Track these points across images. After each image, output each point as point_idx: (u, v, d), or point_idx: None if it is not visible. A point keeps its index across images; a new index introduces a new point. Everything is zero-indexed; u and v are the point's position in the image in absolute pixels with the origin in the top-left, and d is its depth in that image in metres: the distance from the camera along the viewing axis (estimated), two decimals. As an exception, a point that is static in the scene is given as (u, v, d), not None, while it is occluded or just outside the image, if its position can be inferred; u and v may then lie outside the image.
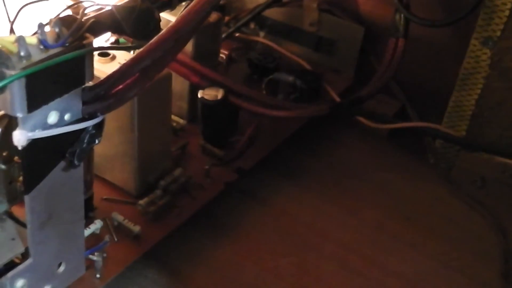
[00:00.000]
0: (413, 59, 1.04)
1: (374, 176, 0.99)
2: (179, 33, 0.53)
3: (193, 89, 0.92)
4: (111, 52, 0.78)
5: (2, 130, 0.61)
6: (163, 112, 0.82)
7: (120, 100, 0.55)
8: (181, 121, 0.94)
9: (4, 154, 0.62)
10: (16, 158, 0.64)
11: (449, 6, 1.00)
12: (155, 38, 0.54)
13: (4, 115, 0.60)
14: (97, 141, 0.57)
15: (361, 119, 1.01)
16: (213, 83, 0.88)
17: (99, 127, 0.56)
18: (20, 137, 0.52)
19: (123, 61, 0.75)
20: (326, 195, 0.94)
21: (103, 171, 0.82)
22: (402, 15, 0.98)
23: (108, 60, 0.77)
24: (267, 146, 0.95)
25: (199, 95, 0.87)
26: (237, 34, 1.14)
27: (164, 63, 0.56)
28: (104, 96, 0.55)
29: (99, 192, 0.81)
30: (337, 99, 1.03)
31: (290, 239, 0.86)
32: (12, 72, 0.49)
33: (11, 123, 0.61)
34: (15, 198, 0.65)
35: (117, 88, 0.55)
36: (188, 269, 0.80)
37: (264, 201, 0.91)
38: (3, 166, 0.62)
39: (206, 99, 0.87)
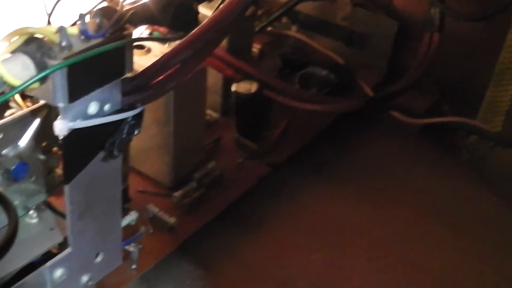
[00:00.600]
0: (448, 54, 1.03)
1: (406, 172, 0.98)
2: (220, 24, 0.54)
3: (227, 83, 0.92)
4: (147, 45, 0.78)
5: (41, 121, 0.61)
6: (198, 105, 0.82)
7: (160, 91, 0.55)
8: (215, 114, 0.94)
9: (43, 144, 0.62)
10: (55, 148, 0.64)
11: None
12: (196, 29, 0.54)
13: (43, 106, 0.61)
14: (136, 132, 0.57)
15: (395, 113, 1.00)
16: (247, 77, 0.88)
17: (138, 118, 0.56)
18: (61, 127, 0.52)
19: (159, 54, 0.76)
20: (356, 191, 0.93)
21: (138, 163, 0.82)
22: (437, 9, 0.97)
23: (144, 53, 0.77)
24: (299, 140, 0.95)
25: (233, 89, 0.87)
26: (269, 28, 1.14)
27: (205, 54, 0.56)
28: (144, 87, 0.55)
29: (134, 184, 0.81)
30: (370, 93, 1.02)
31: (320, 234, 0.86)
32: (54, 62, 0.49)
33: (50, 113, 0.62)
34: (53, 188, 0.66)
35: (157, 79, 0.55)
36: (220, 262, 0.80)
37: (294, 197, 0.91)
38: (42, 157, 0.63)
39: (240, 93, 0.87)
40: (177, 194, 0.80)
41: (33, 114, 0.60)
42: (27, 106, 0.65)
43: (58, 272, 0.60)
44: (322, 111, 0.91)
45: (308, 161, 0.96)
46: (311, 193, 0.91)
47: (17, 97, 0.69)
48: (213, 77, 0.91)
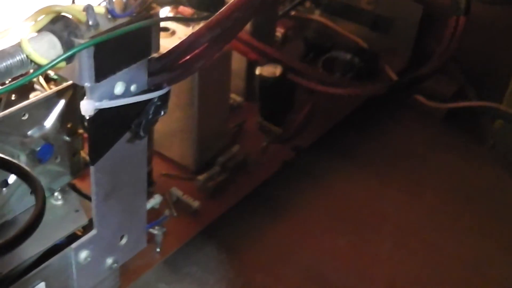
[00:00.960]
0: (473, 38, 1.02)
1: (432, 157, 0.97)
2: (249, 2, 0.53)
3: (251, 67, 0.91)
4: (171, 27, 0.78)
5: (66, 102, 0.61)
6: (223, 89, 0.82)
7: (187, 71, 0.55)
8: (238, 98, 0.94)
9: (68, 126, 0.62)
10: (79, 130, 0.64)
11: (512, -18, 0.97)
12: (225, 7, 0.53)
13: (69, 87, 0.61)
14: (162, 113, 0.56)
15: (420, 98, 0.99)
16: (271, 60, 0.87)
17: (165, 98, 0.56)
18: (87, 107, 0.51)
19: (183, 37, 0.75)
20: (382, 176, 0.93)
21: (161, 147, 0.82)
22: (463, -8, 0.95)
23: (168, 35, 0.77)
24: (324, 124, 0.94)
25: (257, 72, 0.87)
26: (292, 13, 1.13)
27: (233, 34, 0.55)
28: (170, 67, 0.55)
29: (158, 167, 0.81)
30: (395, 78, 1.01)
31: (346, 219, 0.85)
32: (81, 41, 0.49)
33: (76, 94, 0.61)
34: (78, 170, 0.66)
35: (184, 59, 0.54)
36: (244, 246, 0.80)
37: (320, 181, 0.90)
38: (67, 138, 0.63)
39: (264, 76, 0.86)
40: (201, 177, 0.80)
41: (58, 95, 0.60)
42: (50, 89, 0.64)
43: (83, 254, 0.60)
44: (347, 95, 0.90)
45: (333, 145, 0.95)
46: (336, 178, 0.91)
47: (41, 79, 0.69)
48: (237, 61, 0.90)
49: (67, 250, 0.59)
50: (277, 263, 0.78)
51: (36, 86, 0.68)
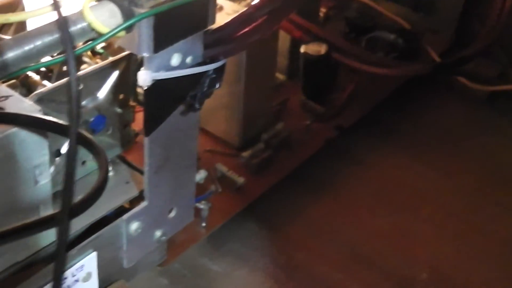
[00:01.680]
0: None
1: (473, 139, 0.97)
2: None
3: (294, 45, 0.91)
4: (219, 3, 0.77)
5: (119, 73, 0.61)
6: (269, 66, 0.81)
7: (243, 44, 0.55)
8: (281, 76, 0.93)
9: (121, 97, 0.62)
10: (131, 102, 0.64)
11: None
12: (285, -20, 0.53)
13: (123, 58, 0.61)
14: (217, 86, 0.56)
15: (463, 80, 0.98)
16: (316, 38, 0.87)
17: (220, 71, 0.56)
18: (145, 77, 0.51)
19: (231, 12, 0.75)
20: (423, 157, 0.92)
21: (206, 123, 0.82)
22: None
23: (216, 11, 0.76)
24: (367, 104, 0.93)
25: (302, 50, 0.86)
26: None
27: (291, 7, 0.55)
28: (227, 39, 0.54)
29: (202, 143, 0.81)
30: (437, 59, 1.00)
31: (387, 200, 0.85)
32: (141, 11, 0.48)
33: (129, 66, 0.61)
34: (128, 143, 0.66)
35: (241, 32, 0.54)
36: (287, 224, 0.80)
37: (362, 161, 0.90)
38: (119, 110, 0.63)
39: (309, 54, 0.86)
40: (245, 154, 0.80)
41: (113, 66, 0.60)
42: (96, 63, 0.65)
43: (134, 226, 0.60)
44: (391, 75, 0.89)
45: (376, 125, 0.95)
46: (378, 158, 0.90)
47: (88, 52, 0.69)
48: (280, 40, 0.89)
49: (118, 221, 0.59)
50: (319, 242, 0.78)
51: (85, 59, 0.69)
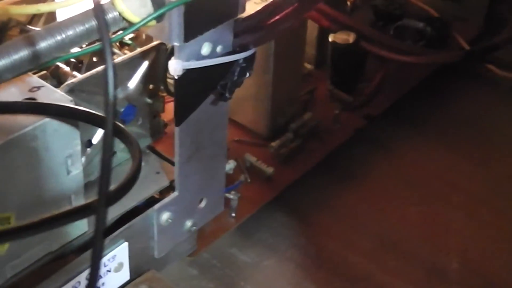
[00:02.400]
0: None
1: (503, 128, 0.95)
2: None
3: (321, 35, 0.90)
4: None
5: (149, 63, 0.61)
6: (297, 56, 0.81)
7: (273, 32, 0.54)
8: (309, 66, 0.93)
9: (150, 87, 0.63)
10: (161, 92, 0.64)
11: None
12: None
13: (153, 48, 0.61)
14: (248, 75, 0.56)
15: (492, 67, 0.97)
16: (344, 27, 0.86)
17: (250, 60, 0.56)
18: (176, 66, 0.51)
19: (259, 1, 0.74)
20: (453, 146, 0.91)
21: (234, 113, 0.81)
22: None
23: None
24: (395, 93, 0.93)
25: (330, 39, 0.86)
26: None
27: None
28: (257, 28, 0.54)
29: (230, 133, 0.81)
30: (466, 47, 0.99)
31: (417, 188, 0.84)
32: None
33: (159, 56, 0.61)
34: (157, 133, 0.66)
35: (272, 20, 0.54)
36: (316, 214, 0.79)
37: (390, 150, 0.89)
38: (148, 100, 0.63)
39: (337, 43, 0.85)
40: (274, 144, 0.80)
41: (143, 56, 0.60)
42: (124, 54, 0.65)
43: (165, 216, 0.60)
44: (419, 64, 0.88)
45: (404, 114, 0.94)
46: (407, 146, 0.90)
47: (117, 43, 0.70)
48: (308, 29, 0.89)
49: (149, 211, 0.59)
50: (349, 231, 0.78)
51: (114, 50, 0.69)
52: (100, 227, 0.31)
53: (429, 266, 0.74)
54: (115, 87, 0.55)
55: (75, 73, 0.62)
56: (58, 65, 0.60)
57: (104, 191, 0.31)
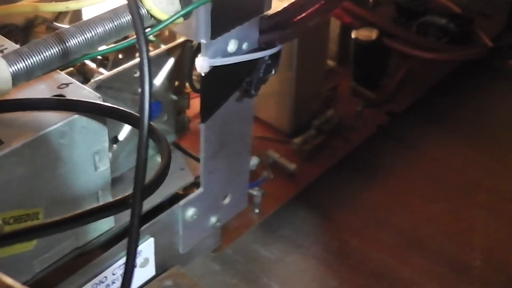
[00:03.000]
0: None
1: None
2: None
3: (343, 31, 0.90)
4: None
5: (175, 60, 0.61)
6: (320, 52, 0.81)
7: (299, 29, 0.54)
8: (331, 62, 0.93)
9: (176, 84, 0.63)
10: (186, 89, 0.65)
11: None
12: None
13: (178, 45, 0.61)
14: (273, 72, 0.56)
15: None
16: (366, 24, 0.86)
17: (276, 57, 0.56)
18: (202, 64, 0.52)
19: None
20: (476, 143, 0.91)
21: (257, 110, 0.81)
22: None
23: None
24: (418, 89, 0.92)
25: (353, 36, 0.86)
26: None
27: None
28: (283, 25, 0.54)
29: (253, 130, 0.81)
30: (490, 43, 0.98)
31: (441, 185, 0.84)
32: (199, -3, 0.49)
33: (184, 53, 0.62)
34: (182, 129, 0.67)
35: (298, 17, 0.54)
36: (338, 210, 0.79)
37: (414, 146, 0.89)
38: (174, 97, 0.63)
39: (360, 40, 0.85)
40: (296, 140, 0.80)
41: (168, 53, 0.60)
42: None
43: (190, 212, 0.61)
44: (443, 60, 0.88)
45: (428, 111, 0.94)
46: (430, 143, 0.89)
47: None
48: (330, 25, 0.89)
49: (175, 207, 0.60)
50: (372, 227, 0.78)
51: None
52: (135, 221, 0.32)
53: (453, 263, 0.74)
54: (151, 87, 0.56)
55: (101, 69, 0.62)
56: (84, 62, 0.61)
57: (139, 187, 0.31)
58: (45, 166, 0.47)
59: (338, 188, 0.82)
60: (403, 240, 0.76)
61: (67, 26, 0.63)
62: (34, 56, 0.42)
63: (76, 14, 0.67)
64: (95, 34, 0.45)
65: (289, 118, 0.81)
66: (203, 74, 0.52)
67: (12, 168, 0.45)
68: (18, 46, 0.51)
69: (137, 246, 0.35)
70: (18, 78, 0.42)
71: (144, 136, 0.30)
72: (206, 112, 0.56)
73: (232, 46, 0.54)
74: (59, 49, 0.43)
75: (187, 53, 0.61)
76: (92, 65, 0.62)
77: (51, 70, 0.45)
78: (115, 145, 0.59)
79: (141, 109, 0.31)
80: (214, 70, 0.53)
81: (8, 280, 0.29)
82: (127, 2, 0.46)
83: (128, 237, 0.33)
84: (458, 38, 0.97)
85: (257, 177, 0.75)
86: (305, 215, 0.79)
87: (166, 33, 0.70)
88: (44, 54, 0.43)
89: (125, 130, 0.60)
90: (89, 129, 0.49)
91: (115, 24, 0.46)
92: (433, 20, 0.97)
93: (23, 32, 0.62)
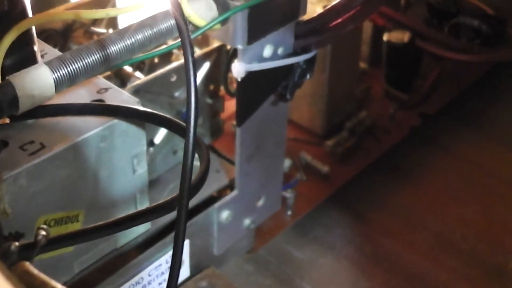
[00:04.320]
0: None
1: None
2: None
3: (376, 33, 0.90)
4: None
5: (211, 64, 0.62)
6: (353, 55, 0.81)
7: (335, 34, 0.55)
8: (363, 64, 0.93)
9: (211, 88, 0.64)
10: (221, 92, 0.65)
11: None
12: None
13: (214, 50, 0.62)
14: (308, 76, 0.57)
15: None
16: (398, 26, 0.86)
17: (311, 62, 0.56)
18: (239, 69, 0.52)
19: (315, 1, 0.75)
20: (510, 144, 0.90)
21: (290, 112, 0.82)
22: None
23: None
24: (451, 91, 0.92)
25: (385, 38, 0.86)
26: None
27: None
28: (319, 30, 0.55)
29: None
30: (523, 45, 0.98)
31: (474, 187, 0.84)
32: (237, 3, 0.49)
33: (220, 57, 0.62)
34: (217, 132, 0.67)
35: (335, 22, 0.54)
36: (371, 212, 0.80)
37: (447, 148, 0.89)
38: (209, 100, 0.64)
39: (392, 42, 0.85)
40: (329, 142, 0.80)
41: (204, 57, 0.61)
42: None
43: (225, 214, 0.61)
44: (475, 62, 0.88)
45: (460, 112, 0.93)
46: (463, 145, 0.89)
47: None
48: (362, 27, 0.89)
49: (210, 209, 0.60)
50: (405, 229, 0.78)
51: (174, 51, 0.70)
52: (182, 222, 0.32)
53: (486, 266, 0.74)
54: (177, 89, 0.57)
55: (137, 73, 0.63)
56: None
57: (185, 192, 0.32)
58: (86, 170, 0.48)
59: (371, 190, 0.82)
60: (436, 243, 0.76)
61: (104, 31, 0.65)
62: (77, 62, 0.43)
63: (112, 19, 0.68)
64: (135, 40, 0.46)
65: (322, 120, 0.81)
66: (239, 79, 0.53)
67: (54, 171, 0.46)
68: (57, 50, 0.53)
69: (183, 245, 0.36)
70: (61, 85, 0.43)
71: (191, 144, 0.31)
72: (242, 116, 0.56)
73: (268, 51, 0.54)
74: (100, 56, 0.44)
75: (222, 57, 0.62)
76: (129, 69, 0.63)
77: (93, 76, 0.46)
78: (151, 148, 0.60)
79: (188, 118, 0.32)
80: (250, 75, 0.54)
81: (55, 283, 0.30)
82: (168, 9, 0.48)
83: (174, 239, 0.33)
84: (490, 39, 0.97)
85: (289, 179, 0.76)
86: (338, 216, 0.79)
87: (200, 37, 0.71)
88: (86, 61, 0.44)
89: (161, 133, 0.61)
90: (128, 133, 0.50)
91: (155, 31, 0.47)
92: (466, 21, 0.97)
93: (62, 36, 0.63)
